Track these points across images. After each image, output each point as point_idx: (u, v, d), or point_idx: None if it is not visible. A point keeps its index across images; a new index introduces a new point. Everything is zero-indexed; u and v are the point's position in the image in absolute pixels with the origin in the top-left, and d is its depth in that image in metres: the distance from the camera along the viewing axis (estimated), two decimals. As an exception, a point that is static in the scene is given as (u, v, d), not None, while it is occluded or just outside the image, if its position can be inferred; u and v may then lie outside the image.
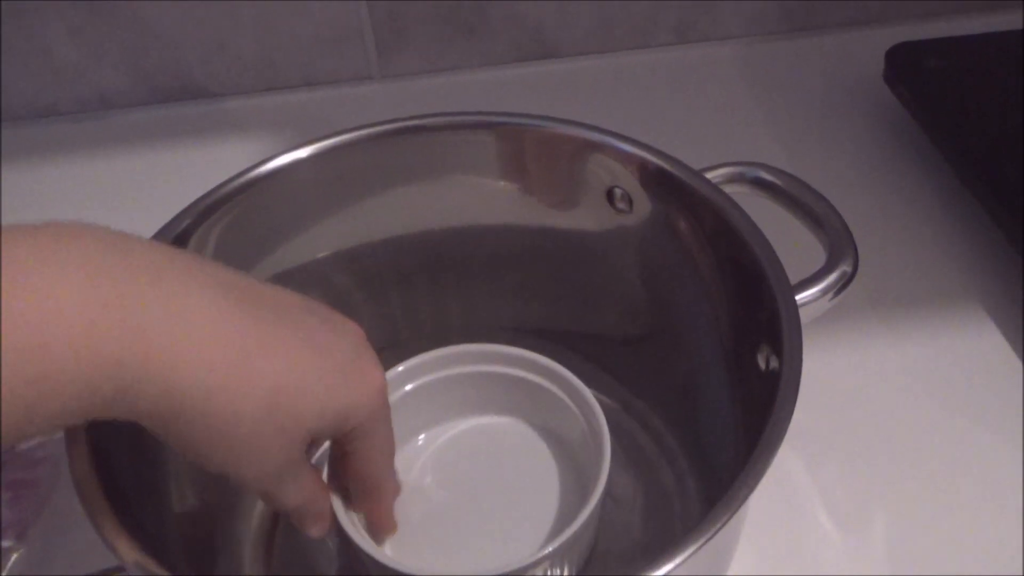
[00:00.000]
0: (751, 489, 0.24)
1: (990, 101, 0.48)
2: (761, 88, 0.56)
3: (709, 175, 0.33)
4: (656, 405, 0.37)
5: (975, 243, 0.46)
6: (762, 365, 0.29)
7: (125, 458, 0.28)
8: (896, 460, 0.38)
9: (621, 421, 0.38)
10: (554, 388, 0.35)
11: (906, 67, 0.50)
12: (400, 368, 0.36)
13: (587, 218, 0.36)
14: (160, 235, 0.31)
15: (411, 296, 0.39)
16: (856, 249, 0.31)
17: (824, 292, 0.30)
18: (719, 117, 0.54)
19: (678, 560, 0.23)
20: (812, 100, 0.55)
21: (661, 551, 0.23)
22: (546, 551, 0.30)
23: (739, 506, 0.24)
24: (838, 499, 0.37)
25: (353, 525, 0.32)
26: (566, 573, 0.33)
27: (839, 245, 0.30)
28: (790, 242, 0.31)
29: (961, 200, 0.47)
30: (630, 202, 0.35)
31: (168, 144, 0.54)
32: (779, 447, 0.25)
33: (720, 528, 0.23)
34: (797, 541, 0.36)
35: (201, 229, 0.33)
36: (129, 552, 0.23)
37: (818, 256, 0.32)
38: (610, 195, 0.35)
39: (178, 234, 0.32)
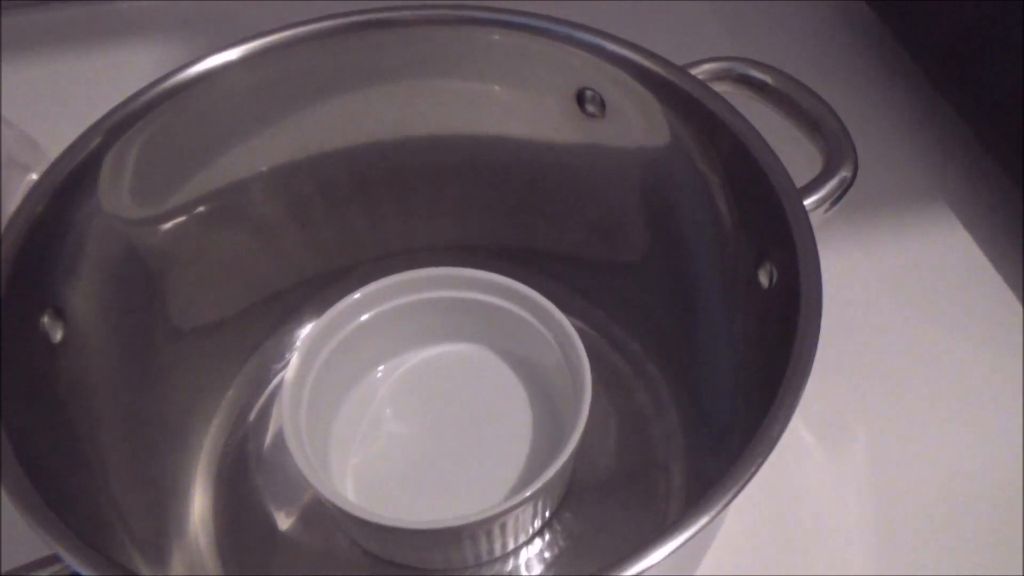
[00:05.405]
0: (769, 450, 0.22)
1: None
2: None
3: (691, 71, 0.30)
4: (632, 325, 0.35)
5: (943, 145, 0.44)
6: (764, 281, 0.26)
7: (47, 441, 0.24)
8: (872, 371, 0.37)
9: (594, 343, 0.35)
10: (524, 312, 0.33)
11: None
12: (356, 296, 0.32)
13: (555, 125, 0.33)
14: (68, 156, 0.26)
15: (350, 219, 0.36)
16: (856, 153, 0.28)
17: (822, 201, 0.28)
18: (664, 10, 0.50)
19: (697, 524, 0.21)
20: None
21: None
22: (521, 496, 0.28)
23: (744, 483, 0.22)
24: (816, 412, 0.35)
25: (311, 468, 0.29)
26: (542, 514, 0.31)
27: (838, 150, 0.28)
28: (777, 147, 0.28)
29: (929, 101, 0.45)
30: (602, 105, 0.31)
31: (69, 50, 0.47)
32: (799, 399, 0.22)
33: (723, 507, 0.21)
34: (778, 455, 0.34)
35: (115, 148, 0.28)
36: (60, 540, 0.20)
37: (805, 165, 0.29)
38: (580, 98, 0.32)
39: (88, 155, 0.27)
